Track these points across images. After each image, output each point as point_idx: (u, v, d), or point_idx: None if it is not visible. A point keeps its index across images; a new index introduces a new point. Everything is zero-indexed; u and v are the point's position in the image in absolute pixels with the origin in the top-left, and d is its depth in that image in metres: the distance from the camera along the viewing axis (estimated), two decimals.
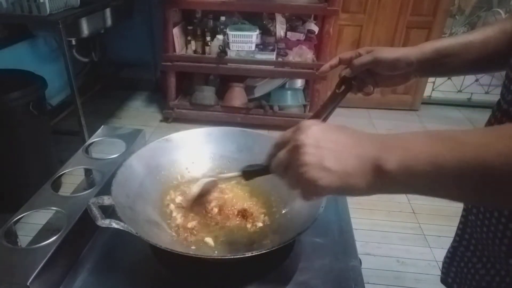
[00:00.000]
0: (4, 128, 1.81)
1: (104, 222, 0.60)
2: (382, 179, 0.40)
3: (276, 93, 2.88)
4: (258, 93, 2.90)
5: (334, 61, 0.74)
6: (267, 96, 2.90)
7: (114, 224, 0.60)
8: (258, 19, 2.73)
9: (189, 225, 0.73)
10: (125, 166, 0.74)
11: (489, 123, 0.60)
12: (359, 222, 1.99)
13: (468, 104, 3.36)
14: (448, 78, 3.25)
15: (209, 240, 0.70)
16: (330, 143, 0.42)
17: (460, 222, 0.70)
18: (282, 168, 0.46)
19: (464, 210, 0.68)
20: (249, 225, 0.75)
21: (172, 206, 0.78)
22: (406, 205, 2.17)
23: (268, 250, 0.58)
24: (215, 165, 0.88)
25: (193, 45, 2.81)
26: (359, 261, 0.72)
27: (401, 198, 2.21)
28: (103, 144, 0.95)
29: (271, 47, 2.69)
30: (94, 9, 2.26)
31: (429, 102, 3.36)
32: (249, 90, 2.92)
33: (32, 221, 1.04)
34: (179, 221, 0.74)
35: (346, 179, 0.41)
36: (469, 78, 3.31)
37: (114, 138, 0.96)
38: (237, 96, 2.86)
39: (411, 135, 0.41)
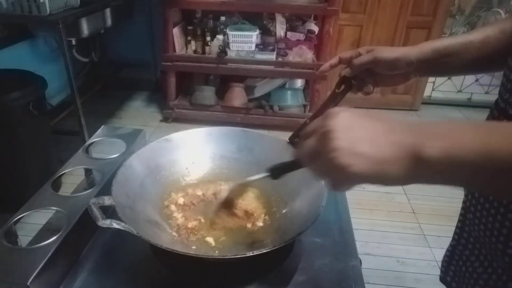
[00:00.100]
0: (4, 128, 1.81)
1: (105, 223, 0.60)
2: (421, 168, 0.37)
3: (276, 93, 2.88)
4: (258, 93, 2.90)
5: (334, 60, 0.75)
6: (267, 96, 2.90)
7: (115, 225, 0.60)
8: (258, 19, 2.73)
9: (190, 225, 0.73)
10: (125, 166, 0.74)
11: None
12: (359, 222, 1.99)
13: (468, 104, 3.36)
14: (448, 78, 3.25)
15: (210, 239, 0.70)
16: (362, 128, 0.40)
17: (459, 221, 0.70)
18: (310, 156, 0.43)
19: (462, 208, 0.68)
20: (249, 225, 0.75)
21: (173, 207, 0.78)
22: (406, 205, 2.17)
23: (268, 250, 0.58)
24: (215, 165, 0.88)
25: (193, 45, 2.81)
26: (359, 261, 0.72)
27: (401, 198, 2.21)
28: (103, 144, 0.95)
29: (271, 47, 2.69)
30: (94, 9, 2.26)
31: (429, 102, 3.36)
32: (249, 90, 2.92)
33: (32, 221, 1.04)
34: (180, 221, 0.75)
35: (381, 166, 0.38)
36: (469, 78, 3.31)
37: (114, 138, 0.96)
38: (237, 96, 2.86)
39: (453, 123, 0.39)
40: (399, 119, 0.41)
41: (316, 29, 2.74)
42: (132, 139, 0.96)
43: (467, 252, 0.66)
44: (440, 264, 0.77)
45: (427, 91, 3.29)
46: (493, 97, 0.60)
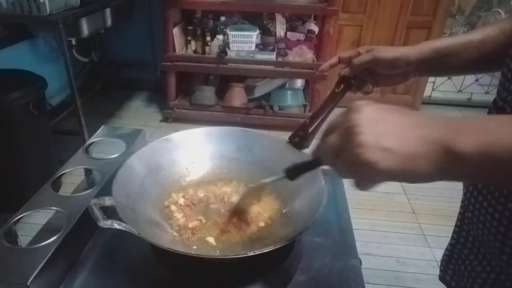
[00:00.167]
0: (4, 128, 1.81)
1: (106, 223, 0.60)
2: (452, 164, 0.36)
3: (276, 93, 2.88)
4: (258, 93, 2.90)
5: (334, 60, 0.75)
6: (267, 96, 2.90)
7: (116, 225, 0.60)
8: (258, 19, 2.73)
9: (191, 225, 0.73)
10: (125, 166, 0.74)
11: None
12: (359, 222, 1.99)
13: (468, 104, 3.36)
14: (448, 78, 3.25)
15: (210, 239, 0.70)
16: (387, 123, 0.38)
17: (458, 220, 0.70)
18: (333, 154, 0.41)
19: (461, 207, 0.68)
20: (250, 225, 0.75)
21: (173, 207, 0.78)
22: (406, 205, 2.17)
23: (268, 250, 0.58)
24: (215, 164, 0.88)
25: (193, 45, 2.81)
26: (359, 261, 0.72)
27: (401, 198, 2.21)
28: (103, 144, 0.95)
29: (271, 47, 2.69)
30: (94, 9, 2.26)
31: (429, 102, 3.36)
32: (249, 90, 2.92)
33: (32, 221, 1.04)
34: (180, 221, 0.75)
35: (410, 162, 0.36)
36: (469, 78, 3.31)
37: (114, 138, 0.96)
38: (237, 96, 2.86)
39: (487, 117, 0.38)
40: (425, 113, 0.39)
41: (316, 29, 2.74)
42: (132, 139, 0.96)
43: (466, 251, 0.66)
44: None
45: (427, 91, 3.29)
46: (493, 97, 0.60)
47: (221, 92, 2.92)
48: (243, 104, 2.85)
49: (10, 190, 1.90)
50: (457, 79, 3.36)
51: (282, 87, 2.89)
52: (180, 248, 0.62)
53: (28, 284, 0.57)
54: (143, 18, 3.11)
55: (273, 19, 2.72)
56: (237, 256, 0.59)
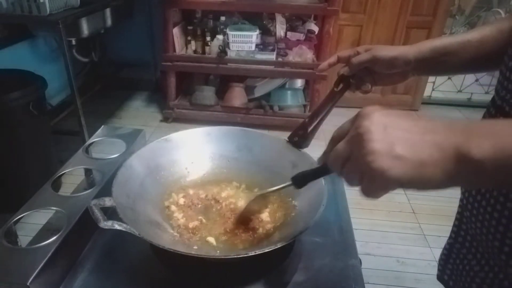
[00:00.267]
0: (4, 128, 1.81)
1: (106, 224, 0.60)
2: (466, 169, 0.35)
3: (276, 93, 2.88)
4: (258, 93, 2.90)
5: (333, 59, 0.75)
6: (267, 96, 2.90)
7: (117, 226, 0.60)
8: (258, 19, 2.73)
9: (191, 225, 0.73)
10: (125, 166, 0.74)
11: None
12: (359, 222, 1.99)
13: (468, 104, 3.36)
14: (448, 78, 3.25)
15: (211, 239, 0.70)
16: (398, 129, 0.37)
17: (456, 219, 0.70)
18: (341, 161, 0.40)
19: (459, 206, 0.68)
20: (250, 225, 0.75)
21: (173, 207, 0.78)
22: (406, 205, 2.17)
23: (269, 250, 0.58)
24: (214, 164, 0.88)
25: (193, 45, 2.81)
26: (359, 261, 0.72)
27: (401, 198, 2.21)
28: (103, 144, 0.95)
29: (271, 47, 2.69)
30: (94, 9, 2.26)
31: (429, 102, 3.36)
32: (249, 90, 2.92)
33: (32, 221, 1.04)
34: (181, 221, 0.75)
35: (421, 169, 0.36)
36: (469, 78, 3.31)
37: (114, 138, 0.96)
38: (237, 96, 2.86)
39: (498, 121, 0.37)
40: (438, 119, 0.39)
41: (316, 29, 2.74)
42: (132, 139, 0.96)
43: (464, 250, 0.66)
44: None
45: (427, 91, 3.29)
46: None
47: (221, 92, 2.92)
48: (243, 104, 2.85)
49: (10, 190, 1.90)
50: (457, 79, 3.36)
51: (282, 87, 2.89)
52: (180, 248, 0.62)
53: (28, 284, 0.57)
54: (143, 18, 3.11)
55: (273, 19, 2.72)
56: (237, 256, 0.59)
